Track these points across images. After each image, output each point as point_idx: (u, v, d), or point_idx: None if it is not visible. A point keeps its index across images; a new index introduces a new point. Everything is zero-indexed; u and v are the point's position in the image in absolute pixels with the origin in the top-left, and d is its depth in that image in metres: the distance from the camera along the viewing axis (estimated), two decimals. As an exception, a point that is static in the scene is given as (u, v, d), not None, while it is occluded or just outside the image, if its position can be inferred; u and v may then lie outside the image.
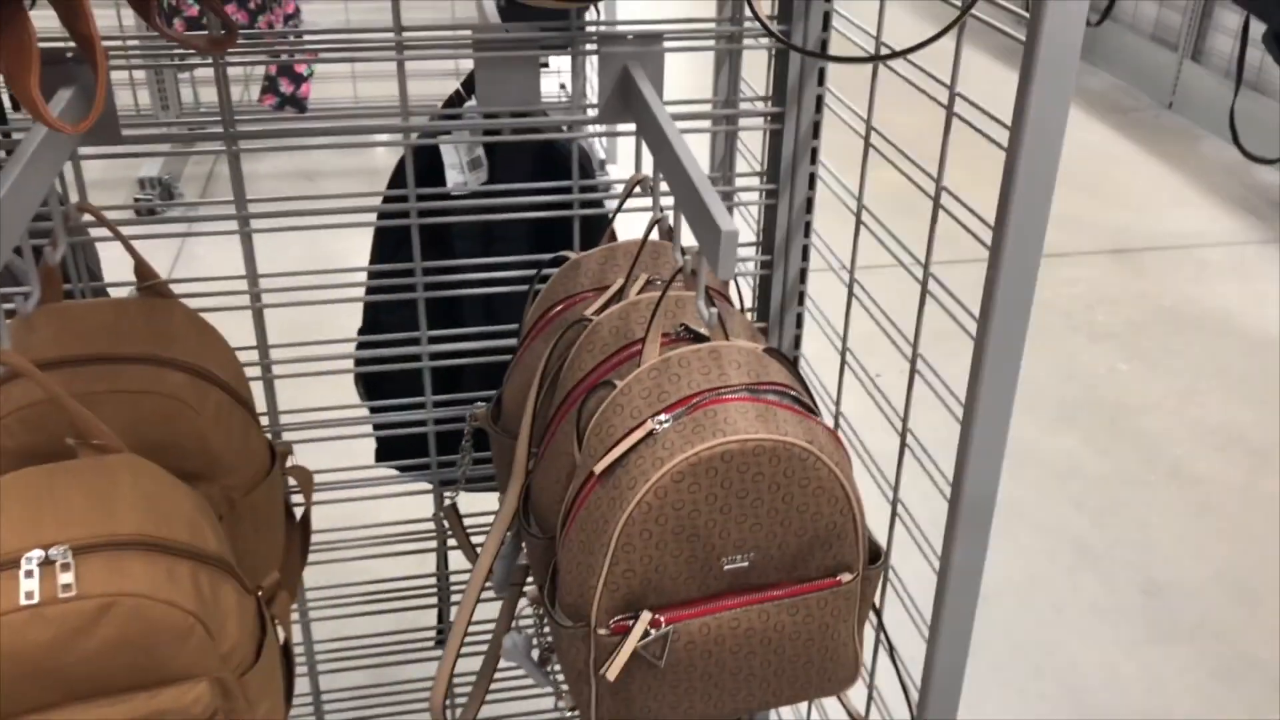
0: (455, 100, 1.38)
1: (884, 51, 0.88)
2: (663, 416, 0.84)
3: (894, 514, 1.08)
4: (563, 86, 3.58)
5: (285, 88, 3.02)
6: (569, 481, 0.94)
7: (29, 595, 0.70)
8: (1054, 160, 0.77)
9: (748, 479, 0.82)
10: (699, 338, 0.93)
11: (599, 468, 0.84)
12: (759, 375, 0.87)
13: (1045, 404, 2.52)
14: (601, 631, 0.84)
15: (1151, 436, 2.44)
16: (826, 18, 1.08)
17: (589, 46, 1.05)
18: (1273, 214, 3.49)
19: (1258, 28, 3.36)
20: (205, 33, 0.83)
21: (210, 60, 0.99)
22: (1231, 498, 2.26)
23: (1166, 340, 2.80)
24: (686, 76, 1.87)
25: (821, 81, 1.11)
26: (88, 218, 1.02)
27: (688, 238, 0.93)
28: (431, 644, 1.42)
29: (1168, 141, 3.96)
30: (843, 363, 1.16)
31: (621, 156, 3.52)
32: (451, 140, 1.36)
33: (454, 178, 1.38)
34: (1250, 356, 2.73)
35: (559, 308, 1.06)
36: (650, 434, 0.83)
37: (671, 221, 0.98)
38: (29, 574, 0.71)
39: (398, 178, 1.30)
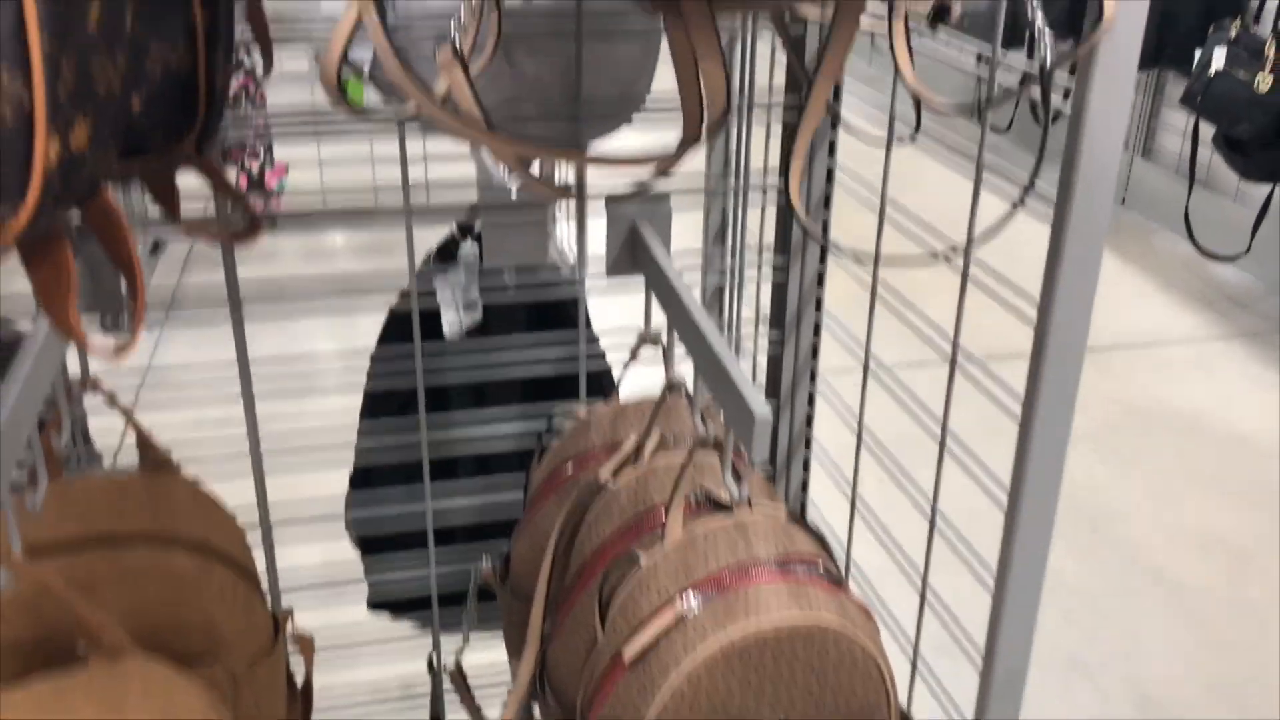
0: (450, 244, 1.37)
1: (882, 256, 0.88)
2: (691, 597, 0.82)
3: (914, 670, 1.06)
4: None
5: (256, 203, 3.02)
6: (589, 653, 0.92)
7: (40, 822, 0.67)
8: (1083, 336, 0.77)
9: (782, 663, 0.80)
10: (720, 505, 0.92)
11: (628, 653, 0.81)
12: (786, 548, 0.86)
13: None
14: (634, 823, 0.81)
15: (1133, 542, 2.45)
16: (830, 174, 1.09)
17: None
18: (1231, 309, 3.56)
19: (1206, 129, 3.47)
20: (227, 227, 0.82)
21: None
22: (1217, 605, 2.27)
23: (1138, 441, 2.82)
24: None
25: (825, 233, 1.12)
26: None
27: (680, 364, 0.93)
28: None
29: (1123, 237, 4.05)
30: (852, 509, 1.15)
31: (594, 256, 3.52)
32: (447, 283, 1.35)
33: (450, 320, 1.36)
34: (1222, 457, 2.76)
35: (570, 468, 1.05)
36: (680, 618, 0.81)
37: (689, 386, 0.97)
38: (40, 798, 0.67)
39: (389, 331, 1.28)
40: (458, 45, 0.67)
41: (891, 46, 0.79)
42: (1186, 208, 3.57)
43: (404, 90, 0.60)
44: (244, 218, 0.75)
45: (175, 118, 0.61)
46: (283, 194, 3.02)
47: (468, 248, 1.36)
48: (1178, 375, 3.15)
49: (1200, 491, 2.62)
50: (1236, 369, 3.19)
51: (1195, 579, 2.34)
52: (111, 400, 0.96)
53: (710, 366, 0.85)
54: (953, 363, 0.93)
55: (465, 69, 0.66)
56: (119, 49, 0.51)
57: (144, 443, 0.97)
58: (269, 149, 3.00)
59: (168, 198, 0.70)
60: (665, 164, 0.64)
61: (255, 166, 2.97)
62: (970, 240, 0.89)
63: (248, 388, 1.02)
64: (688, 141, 0.64)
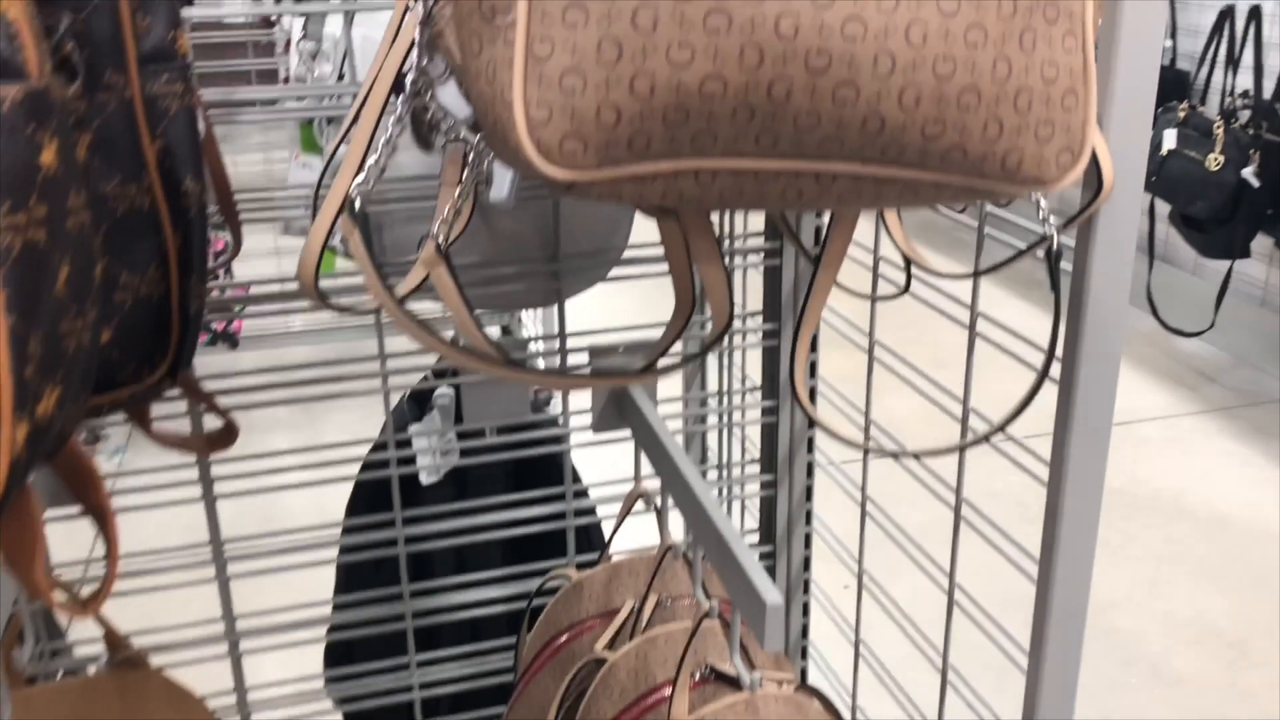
0: (425, 389, 1.34)
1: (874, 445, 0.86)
2: (705, 790, 0.77)
3: (933, 831, 1.01)
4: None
5: (217, 324, 2.97)
6: (595, 845, 0.87)
7: None
8: (1097, 499, 0.75)
9: None
10: (724, 677, 0.87)
11: None
12: (800, 728, 0.82)
13: (1014, 605, 2.48)
14: None
15: (1125, 634, 2.41)
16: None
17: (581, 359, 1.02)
18: (1200, 384, 3.58)
19: (1162, 205, 3.52)
20: (197, 435, 0.78)
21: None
22: (1217, 697, 2.23)
23: (1122, 525, 2.81)
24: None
25: (813, 374, 1.09)
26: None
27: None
28: None
29: (1088, 315, 4.07)
30: (856, 657, 1.11)
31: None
32: (423, 432, 1.31)
33: (427, 470, 1.32)
34: (1207, 539, 2.75)
35: (564, 637, 1.00)
36: (696, 815, 0.76)
37: (687, 553, 0.93)
38: None
39: (356, 501, 1.24)
40: (440, 243, 0.64)
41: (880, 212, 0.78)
42: (1149, 284, 3.61)
43: (411, 335, 0.57)
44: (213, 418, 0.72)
45: (147, 347, 0.58)
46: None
47: (443, 392, 1.32)
48: (1155, 454, 3.15)
49: (1189, 577, 2.60)
50: (1212, 445, 3.20)
51: (1192, 671, 2.30)
52: (74, 597, 0.91)
53: (711, 539, 0.81)
54: (956, 520, 0.90)
55: (453, 271, 0.63)
56: (89, 300, 0.48)
57: (112, 638, 0.92)
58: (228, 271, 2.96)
59: (140, 415, 0.66)
60: (667, 368, 0.61)
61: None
62: (965, 416, 0.86)
63: (222, 572, 0.97)
64: (666, 347, 0.62)
